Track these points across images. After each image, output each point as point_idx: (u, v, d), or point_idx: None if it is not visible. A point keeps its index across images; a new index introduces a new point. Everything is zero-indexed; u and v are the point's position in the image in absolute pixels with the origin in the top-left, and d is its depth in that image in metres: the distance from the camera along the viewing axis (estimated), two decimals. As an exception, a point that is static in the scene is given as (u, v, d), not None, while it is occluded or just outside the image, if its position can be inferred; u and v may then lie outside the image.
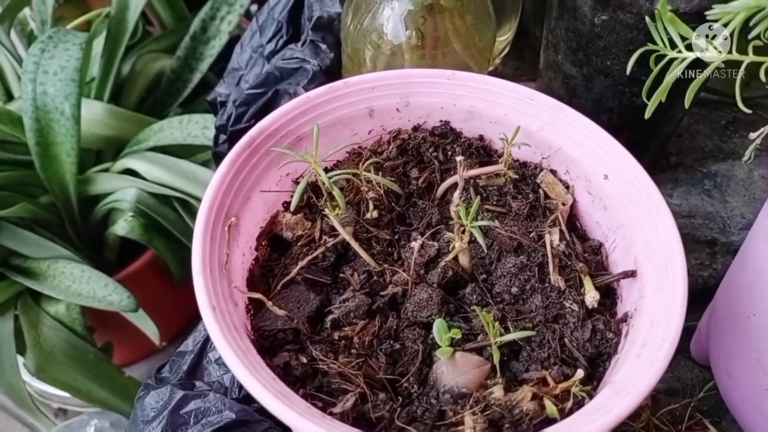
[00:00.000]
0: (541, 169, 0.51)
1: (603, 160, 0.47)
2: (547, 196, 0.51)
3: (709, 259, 0.70)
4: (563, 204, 0.49)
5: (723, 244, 0.71)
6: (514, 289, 0.45)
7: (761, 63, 0.38)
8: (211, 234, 0.43)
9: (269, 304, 0.42)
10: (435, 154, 0.53)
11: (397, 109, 0.53)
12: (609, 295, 0.46)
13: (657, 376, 0.36)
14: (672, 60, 0.42)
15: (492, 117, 0.53)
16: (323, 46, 0.77)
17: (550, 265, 0.45)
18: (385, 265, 0.47)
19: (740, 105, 0.40)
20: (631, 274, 0.44)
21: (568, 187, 0.50)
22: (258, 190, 0.48)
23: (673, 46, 0.41)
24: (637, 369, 0.37)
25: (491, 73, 0.88)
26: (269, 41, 0.85)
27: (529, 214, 0.49)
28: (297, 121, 0.50)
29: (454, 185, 0.52)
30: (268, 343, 0.42)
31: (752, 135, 0.50)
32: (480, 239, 0.43)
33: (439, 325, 0.41)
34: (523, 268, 0.46)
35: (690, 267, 0.71)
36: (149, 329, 1.06)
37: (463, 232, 0.45)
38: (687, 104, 0.41)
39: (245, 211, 0.47)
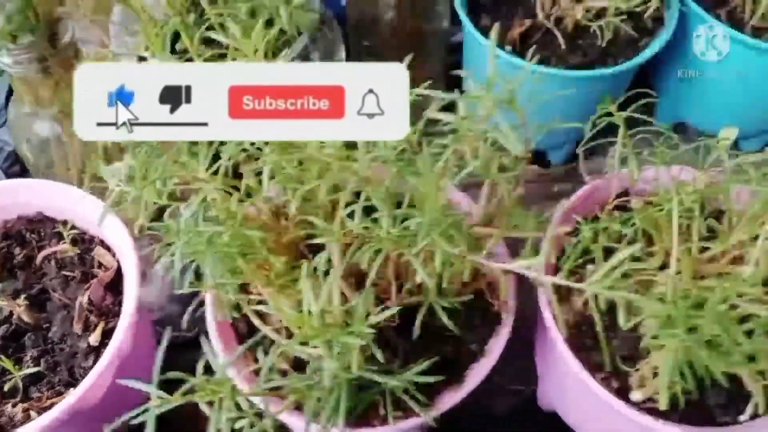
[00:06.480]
0: (96, 244, 0.75)
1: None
2: (100, 264, 0.74)
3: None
4: (106, 269, 0.73)
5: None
6: (59, 335, 0.69)
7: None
8: None
9: None
10: (33, 236, 0.76)
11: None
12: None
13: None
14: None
15: (64, 211, 0.75)
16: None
17: (75, 317, 0.69)
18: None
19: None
20: (116, 322, 0.68)
21: (114, 255, 0.74)
22: None
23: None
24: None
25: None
26: (-6, 117, 1.05)
27: (83, 278, 0.73)
28: None
29: (46, 257, 0.75)
30: None
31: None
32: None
33: (-20, 368, 0.65)
34: (64, 321, 0.70)
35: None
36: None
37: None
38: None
39: None
